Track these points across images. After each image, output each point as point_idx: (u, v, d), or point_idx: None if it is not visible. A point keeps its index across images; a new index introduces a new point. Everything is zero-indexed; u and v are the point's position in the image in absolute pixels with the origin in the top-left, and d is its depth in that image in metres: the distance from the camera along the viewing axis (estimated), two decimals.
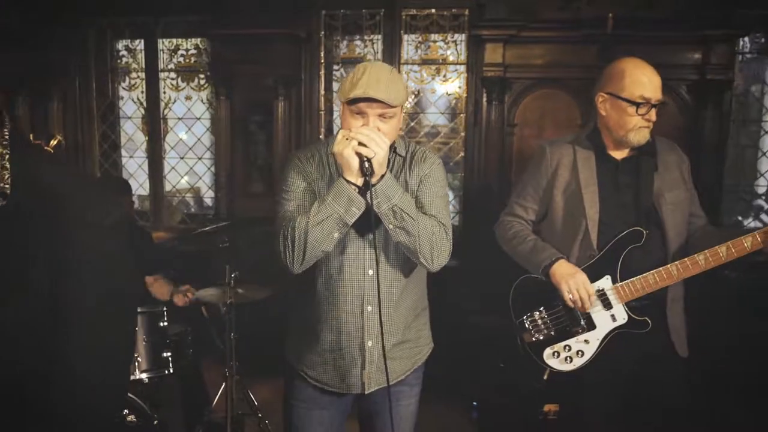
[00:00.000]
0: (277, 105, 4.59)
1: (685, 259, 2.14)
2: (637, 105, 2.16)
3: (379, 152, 1.74)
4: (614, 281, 2.20)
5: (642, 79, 2.17)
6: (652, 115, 2.20)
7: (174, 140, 5.16)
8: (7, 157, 1.22)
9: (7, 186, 1.20)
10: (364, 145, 1.74)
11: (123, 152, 5.25)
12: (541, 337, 2.28)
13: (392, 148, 1.96)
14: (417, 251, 1.84)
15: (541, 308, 2.30)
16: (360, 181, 1.79)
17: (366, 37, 4.71)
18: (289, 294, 2.18)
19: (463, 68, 4.59)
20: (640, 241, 2.18)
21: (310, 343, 2.02)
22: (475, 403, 3.88)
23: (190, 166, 5.16)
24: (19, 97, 4.92)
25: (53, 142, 4.65)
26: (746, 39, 4.29)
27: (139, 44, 5.06)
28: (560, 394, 2.58)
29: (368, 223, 1.82)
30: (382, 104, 1.78)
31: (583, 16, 4.12)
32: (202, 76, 4.99)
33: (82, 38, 5.07)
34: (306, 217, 1.81)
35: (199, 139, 5.11)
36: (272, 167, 4.71)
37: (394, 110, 1.82)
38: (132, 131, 5.22)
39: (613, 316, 2.21)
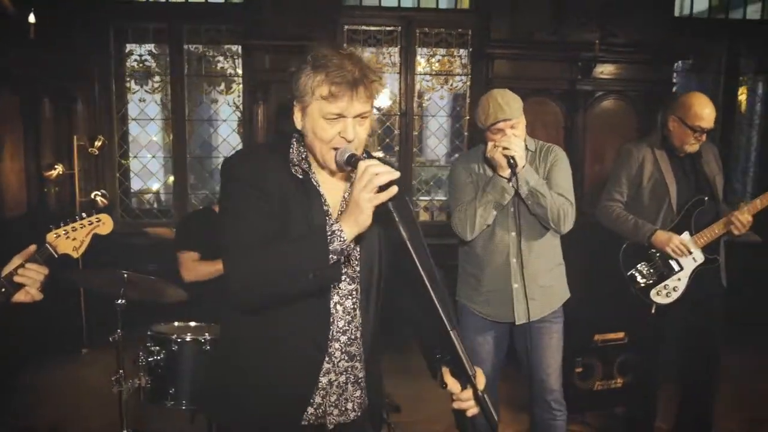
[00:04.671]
0: None
1: (734, 213, 3.15)
2: (695, 131, 3.14)
3: (518, 150, 2.56)
4: (691, 234, 3.22)
5: (703, 114, 3.12)
6: (704, 137, 3.18)
7: (198, 141, 5.52)
8: None
9: None
10: (507, 148, 2.56)
11: (145, 152, 5.51)
12: (649, 283, 3.25)
13: (524, 147, 2.74)
14: (549, 220, 2.65)
15: (643, 263, 3.26)
16: (508, 173, 2.60)
17: (385, 50, 5.44)
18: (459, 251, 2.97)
19: (467, 78, 5.49)
20: (704, 205, 3.20)
21: (476, 287, 2.85)
22: None
23: (216, 165, 5.56)
24: (45, 99, 5.01)
25: (97, 143, 4.90)
26: (680, 62, 5.63)
27: (164, 49, 5.36)
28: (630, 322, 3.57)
29: (514, 202, 2.65)
30: (509, 120, 2.63)
31: (570, 40, 5.19)
32: (229, 80, 5.40)
33: (104, 42, 5.28)
34: (474, 203, 2.70)
35: (225, 139, 5.52)
36: None
37: (518, 120, 2.67)
38: (154, 132, 5.50)
39: (694, 258, 3.22)
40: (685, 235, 3.22)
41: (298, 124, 1.62)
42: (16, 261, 1.78)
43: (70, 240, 1.87)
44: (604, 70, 5.32)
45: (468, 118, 5.54)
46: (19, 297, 1.78)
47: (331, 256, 1.49)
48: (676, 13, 5.68)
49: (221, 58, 5.39)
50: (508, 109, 2.63)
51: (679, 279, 3.24)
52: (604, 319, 4.00)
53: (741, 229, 3.10)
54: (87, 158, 5.10)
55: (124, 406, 2.95)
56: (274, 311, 1.63)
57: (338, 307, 1.69)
